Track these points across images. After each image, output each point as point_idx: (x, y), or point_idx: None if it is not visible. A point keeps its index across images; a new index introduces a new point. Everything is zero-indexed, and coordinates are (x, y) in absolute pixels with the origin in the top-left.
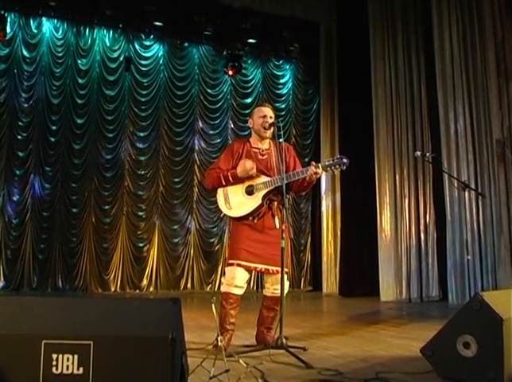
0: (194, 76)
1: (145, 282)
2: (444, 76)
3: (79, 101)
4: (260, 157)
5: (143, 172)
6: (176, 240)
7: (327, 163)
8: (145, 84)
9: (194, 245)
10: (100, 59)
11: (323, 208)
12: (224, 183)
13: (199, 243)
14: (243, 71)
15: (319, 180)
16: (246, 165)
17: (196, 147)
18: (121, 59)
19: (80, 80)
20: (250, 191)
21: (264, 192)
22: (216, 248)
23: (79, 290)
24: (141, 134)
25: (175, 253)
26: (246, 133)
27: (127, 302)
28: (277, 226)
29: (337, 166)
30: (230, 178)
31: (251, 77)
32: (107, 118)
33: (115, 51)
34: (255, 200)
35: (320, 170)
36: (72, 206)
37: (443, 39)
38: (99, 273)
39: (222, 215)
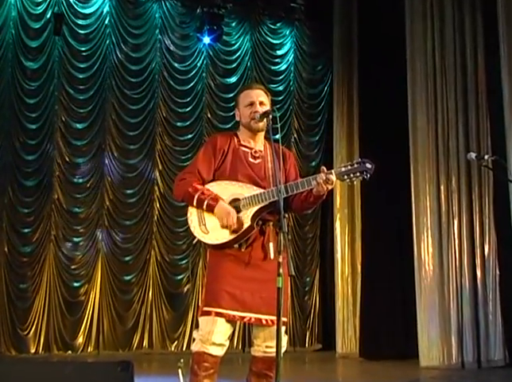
0: (155, 43)
1: (80, 339)
2: (510, 44)
3: None
4: (251, 160)
5: (81, 180)
6: (127, 278)
7: (343, 169)
8: (84, 54)
9: (154, 284)
10: (17, 15)
11: (337, 232)
12: (196, 206)
13: (160, 282)
14: (225, 37)
15: (331, 193)
16: (228, 219)
17: (158, 145)
18: (48, 16)
19: None
20: (235, 207)
21: (255, 209)
22: (185, 289)
23: None
24: (79, 126)
25: (126, 296)
26: (230, 126)
27: (55, 367)
28: (271, 256)
29: (357, 174)
30: (205, 207)
31: (236, 47)
32: (28, 102)
33: (39, 4)
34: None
35: (333, 179)
36: None
37: None
38: (13, 327)
39: (194, 241)
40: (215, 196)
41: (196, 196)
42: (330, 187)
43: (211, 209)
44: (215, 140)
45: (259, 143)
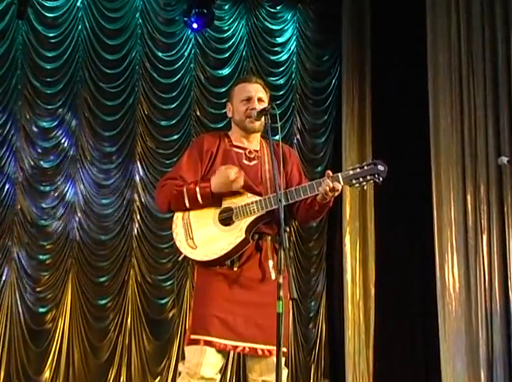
0: (135, 29)
1: (47, 374)
2: None
3: None
4: (245, 162)
5: (48, 188)
6: (102, 302)
7: (351, 173)
8: (52, 41)
9: (133, 310)
10: None
11: (347, 249)
12: (188, 204)
13: (141, 307)
14: (216, 22)
15: (339, 203)
16: (229, 174)
17: (139, 148)
18: None
19: None
20: (227, 218)
21: (250, 219)
22: (170, 315)
23: None
24: (45, 125)
25: (100, 323)
26: (222, 125)
27: None
28: (272, 277)
29: (367, 177)
30: (199, 196)
31: (230, 33)
32: None
33: None
34: (235, 234)
35: (339, 184)
36: None
37: None
38: None
39: (180, 258)
40: (202, 180)
41: (184, 191)
42: (336, 193)
43: (206, 193)
44: (202, 141)
45: (254, 142)
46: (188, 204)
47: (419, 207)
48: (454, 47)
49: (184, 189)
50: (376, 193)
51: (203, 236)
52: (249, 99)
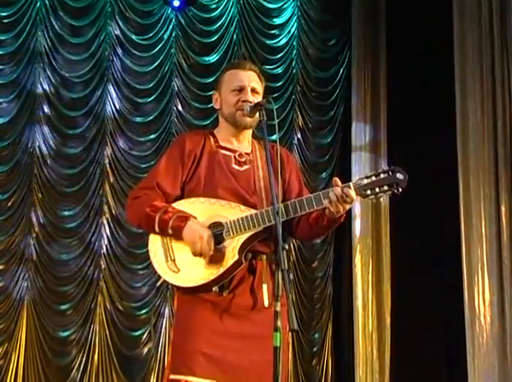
0: (105, 7)
1: None
2: None
3: None
4: (235, 166)
5: (1, 196)
6: (63, 334)
7: (365, 182)
8: (5, 21)
9: (101, 343)
10: None
11: (357, 270)
12: (159, 231)
13: (110, 340)
14: (202, 0)
15: (349, 216)
16: (201, 244)
17: (109, 149)
18: None
19: None
20: (216, 235)
21: (244, 237)
22: (145, 350)
23: None
24: None
25: (62, 360)
26: (208, 122)
27: None
28: (265, 304)
29: (385, 187)
30: (170, 230)
31: (218, 13)
32: None
33: None
34: (226, 255)
35: (352, 195)
36: None
37: None
38: None
39: (159, 283)
40: (183, 214)
41: (158, 218)
42: (348, 207)
43: (178, 233)
44: (183, 141)
45: (245, 143)
46: (157, 230)
47: (443, 220)
48: (485, 29)
49: (157, 217)
50: (392, 204)
51: (186, 258)
52: (241, 90)
